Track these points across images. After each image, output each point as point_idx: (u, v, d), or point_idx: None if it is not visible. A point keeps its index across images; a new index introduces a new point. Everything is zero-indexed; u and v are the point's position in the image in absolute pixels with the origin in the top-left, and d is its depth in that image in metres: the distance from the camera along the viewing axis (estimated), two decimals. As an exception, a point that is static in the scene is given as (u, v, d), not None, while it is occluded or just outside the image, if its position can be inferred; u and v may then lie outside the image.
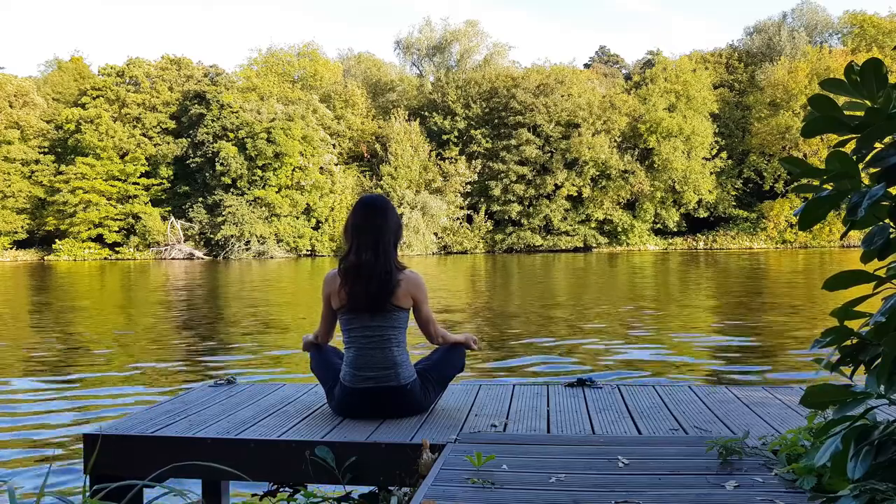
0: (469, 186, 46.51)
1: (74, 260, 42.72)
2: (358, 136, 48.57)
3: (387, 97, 51.18)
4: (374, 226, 2.93)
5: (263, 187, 43.15)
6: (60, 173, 45.14)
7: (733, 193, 47.61)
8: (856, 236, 1.99)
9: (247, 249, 42.67)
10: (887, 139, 1.42)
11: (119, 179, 45.21)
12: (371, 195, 3.06)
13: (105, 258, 43.80)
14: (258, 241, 42.73)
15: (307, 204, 44.09)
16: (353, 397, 2.93)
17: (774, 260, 28.21)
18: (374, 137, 47.99)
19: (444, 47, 52.63)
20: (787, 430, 2.37)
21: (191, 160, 44.68)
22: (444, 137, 47.24)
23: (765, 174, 47.05)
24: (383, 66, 55.61)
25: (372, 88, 51.95)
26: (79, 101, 47.39)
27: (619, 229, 46.62)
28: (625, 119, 46.63)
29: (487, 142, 47.03)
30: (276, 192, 43.21)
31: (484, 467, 2.14)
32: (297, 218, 44.06)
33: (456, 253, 44.70)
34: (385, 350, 2.95)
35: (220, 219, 42.57)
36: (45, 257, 44.27)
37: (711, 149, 47.21)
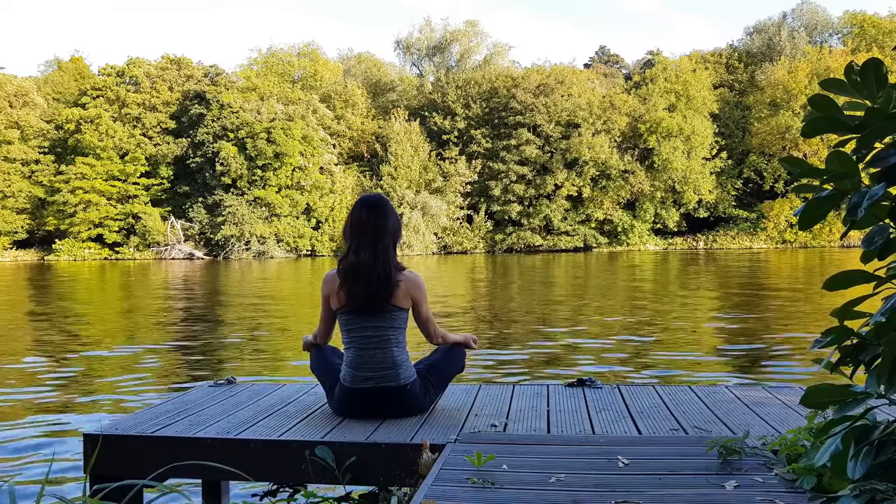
0: (469, 186, 46.52)
1: (74, 260, 42.71)
2: (358, 136, 48.58)
3: (387, 97, 51.19)
4: (373, 226, 2.93)
5: (263, 187, 43.15)
6: (60, 173, 45.13)
7: (733, 193, 47.62)
8: (856, 236, 1.99)
9: (247, 249, 42.67)
10: (887, 139, 1.42)
11: (119, 179, 45.20)
12: (370, 195, 3.06)
13: (105, 258, 43.79)
14: (258, 241, 42.73)
15: (307, 204, 44.09)
16: (352, 398, 2.93)
17: (774, 260, 28.21)
18: (374, 137, 48.00)
19: (444, 47, 52.65)
20: (787, 430, 2.37)
21: (191, 160, 44.69)
22: (444, 137, 47.25)
23: (765, 174, 47.06)
24: (383, 66, 55.63)
25: (372, 88, 51.96)
26: (79, 101, 47.38)
27: (619, 229, 46.63)
28: (625, 119, 46.64)
29: (487, 142, 47.04)
30: (276, 192, 43.21)
31: (484, 467, 2.14)
32: (297, 218, 44.06)
33: (456, 253, 44.69)
34: (385, 350, 2.95)
35: (220, 219, 42.57)
36: (45, 257, 44.25)
37: (711, 149, 47.22)
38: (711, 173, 46.91)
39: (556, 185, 46.10)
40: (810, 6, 52.66)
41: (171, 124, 46.61)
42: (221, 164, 42.91)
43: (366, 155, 48.54)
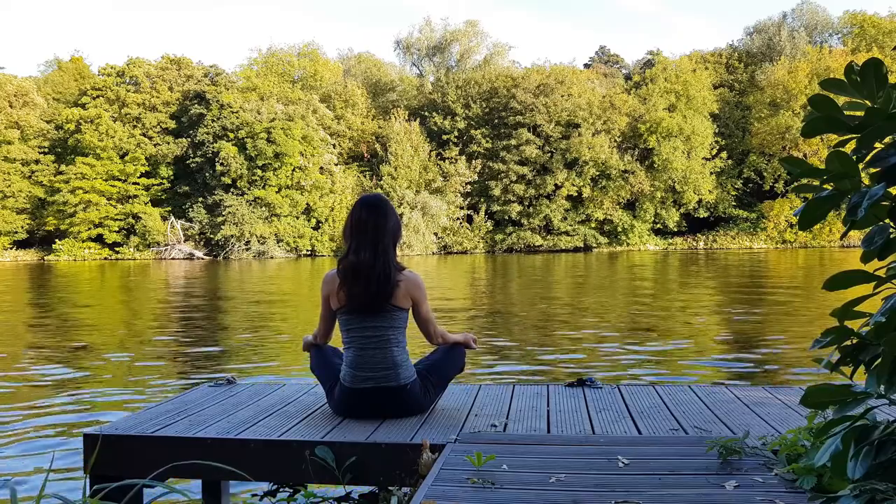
0: (469, 186, 46.51)
1: (74, 260, 42.71)
2: (358, 136, 48.58)
3: (387, 97, 51.19)
4: (373, 226, 2.93)
5: (263, 187, 43.15)
6: (60, 173, 45.13)
7: (733, 193, 47.63)
8: (856, 236, 1.99)
9: (247, 249, 42.67)
10: (887, 139, 1.42)
11: (119, 179, 45.20)
12: (370, 195, 3.06)
13: (105, 258, 43.78)
14: (258, 241, 42.73)
15: (307, 204, 44.09)
16: (352, 398, 2.93)
17: (774, 260, 28.22)
18: (374, 137, 48.00)
19: (444, 47, 52.65)
20: (787, 430, 2.37)
21: (191, 160, 44.69)
22: (444, 137, 47.24)
23: (765, 174, 47.06)
24: (383, 66, 55.64)
25: (372, 88, 51.95)
26: (79, 101, 47.38)
27: (619, 229, 46.64)
28: (625, 119, 46.64)
29: (487, 142, 47.04)
30: (276, 192, 43.21)
31: (484, 467, 2.14)
32: (297, 218, 44.06)
33: (456, 253, 44.69)
34: (385, 350, 2.95)
35: (220, 219, 42.57)
36: (45, 257, 44.25)
37: (711, 149, 47.23)
38: (711, 173, 46.91)
39: (556, 185, 46.10)
40: (810, 6, 52.67)
41: (171, 124, 46.61)
42: (221, 164, 42.91)
43: (366, 155, 48.54)
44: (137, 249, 44.08)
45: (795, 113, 45.40)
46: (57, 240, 45.10)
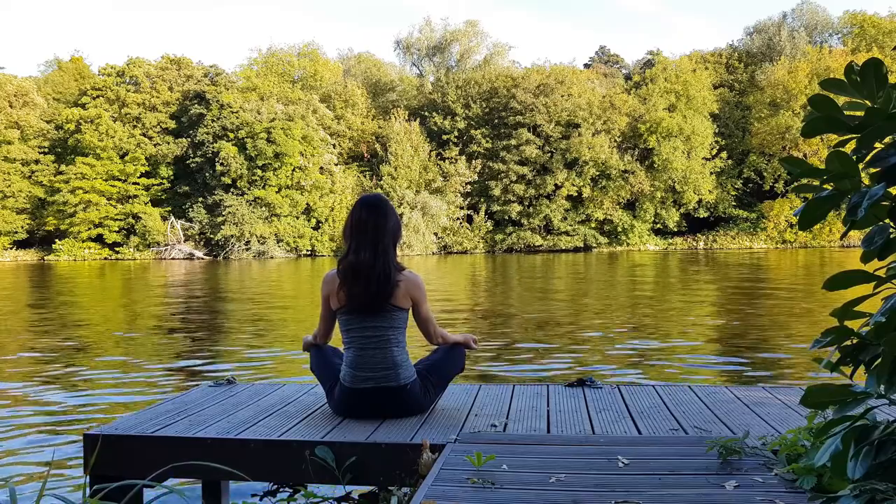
0: (469, 186, 46.53)
1: (74, 260, 42.71)
2: (358, 136, 48.58)
3: (387, 97, 51.20)
4: (373, 226, 2.93)
5: (263, 187, 43.16)
6: (60, 173, 45.15)
7: (733, 193, 47.64)
8: (856, 236, 1.99)
9: (247, 249, 42.67)
10: (887, 139, 1.42)
11: (119, 179, 45.21)
12: (370, 195, 3.05)
13: (105, 258, 43.79)
14: (258, 241, 42.73)
15: (307, 204, 44.10)
16: (352, 398, 2.93)
17: (774, 260, 28.21)
18: (374, 137, 48.01)
19: (444, 47, 52.66)
20: (787, 430, 2.37)
21: (191, 160, 44.69)
22: (444, 137, 47.25)
23: (765, 174, 47.07)
24: (383, 66, 55.66)
25: (372, 88, 51.96)
26: (79, 101, 47.39)
27: (619, 229, 46.65)
28: (625, 119, 46.64)
29: (487, 142, 47.05)
30: (276, 192, 43.22)
31: (484, 467, 2.14)
32: (297, 218, 44.07)
33: (456, 253, 44.69)
34: (385, 350, 2.95)
35: (220, 219, 42.57)
36: (45, 257, 44.26)
37: (711, 149, 47.24)
38: (711, 173, 46.92)
39: (556, 185, 46.12)
40: (810, 6, 52.68)
41: (171, 124, 46.62)
42: (221, 164, 42.92)
43: (366, 155, 48.54)
44: (137, 249, 44.09)
45: (795, 113, 45.41)
46: (57, 240, 45.11)
